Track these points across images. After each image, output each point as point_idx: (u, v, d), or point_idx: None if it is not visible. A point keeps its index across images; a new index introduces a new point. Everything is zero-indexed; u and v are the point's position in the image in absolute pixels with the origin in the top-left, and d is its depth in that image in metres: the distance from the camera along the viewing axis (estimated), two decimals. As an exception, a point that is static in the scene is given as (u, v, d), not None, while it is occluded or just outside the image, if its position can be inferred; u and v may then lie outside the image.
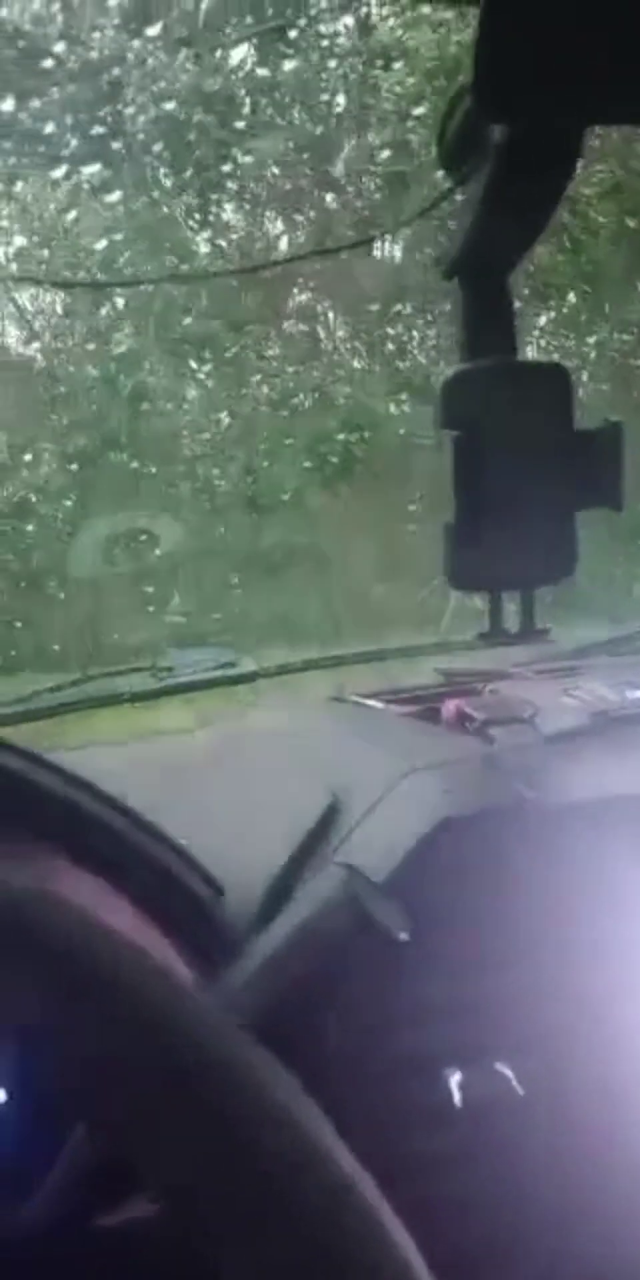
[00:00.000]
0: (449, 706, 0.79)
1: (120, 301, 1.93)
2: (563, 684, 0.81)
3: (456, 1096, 0.53)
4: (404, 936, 0.44)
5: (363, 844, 0.59)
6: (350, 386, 2.64)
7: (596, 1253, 0.52)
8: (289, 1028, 0.43)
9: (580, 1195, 0.52)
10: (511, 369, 0.68)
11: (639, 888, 0.57)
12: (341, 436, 2.44)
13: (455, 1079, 0.52)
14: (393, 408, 2.67)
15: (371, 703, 0.87)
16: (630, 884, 0.57)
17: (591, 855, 0.57)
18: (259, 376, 2.39)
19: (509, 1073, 0.53)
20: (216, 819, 0.68)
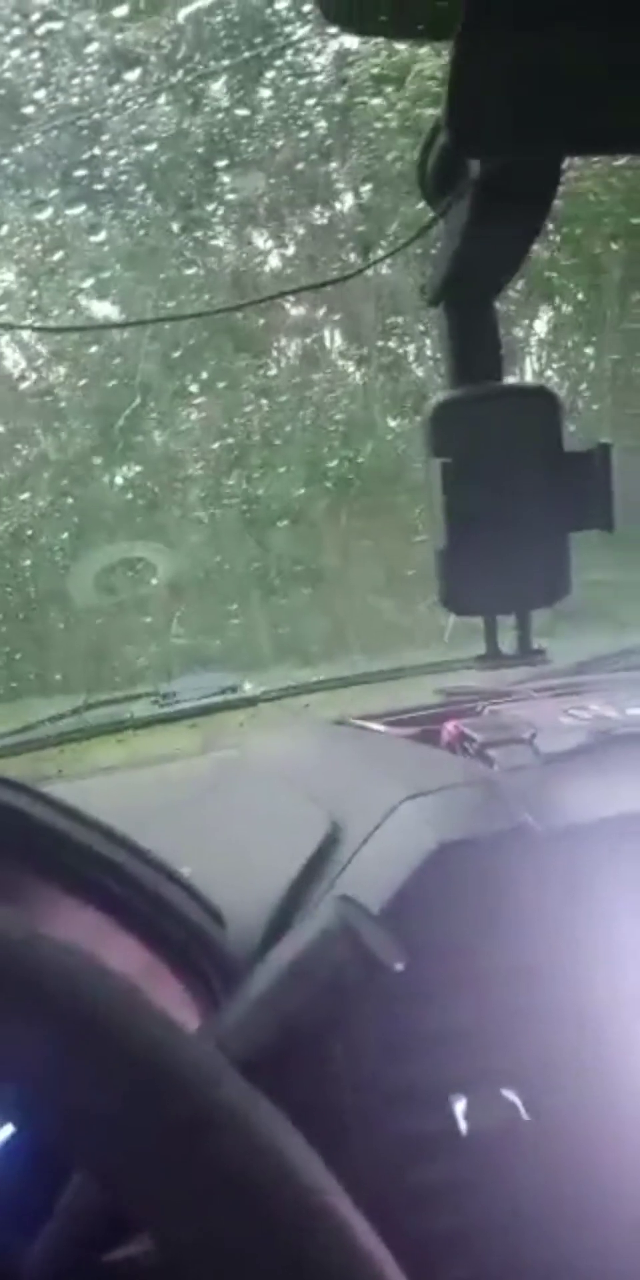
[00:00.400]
0: (448, 728, 0.80)
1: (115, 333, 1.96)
2: (563, 703, 0.81)
3: (461, 1124, 0.53)
4: (399, 967, 0.44)
5: (361, 873, 0.59)
6: (348, 400, 2.66)
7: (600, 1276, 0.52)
8: (288, 1062, 0.43)
9: (585, 1220, 0.52)
10: (499, 393, 0.68)
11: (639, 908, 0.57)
12: (343, 452, 2.45)
13: (460, 1106, 0.52)
14: (391, 421, 2.68)
15: (372, 725, 0.87)
16: (631, 905, 0.57)
17: (592, 877, 0.57)
18: (254, 398, 2.40)
19: (515, 1099, 0.53)
20: (217, 847, 0.68)
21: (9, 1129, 0.51)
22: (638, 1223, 0.52)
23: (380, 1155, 0.51)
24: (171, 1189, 0.34)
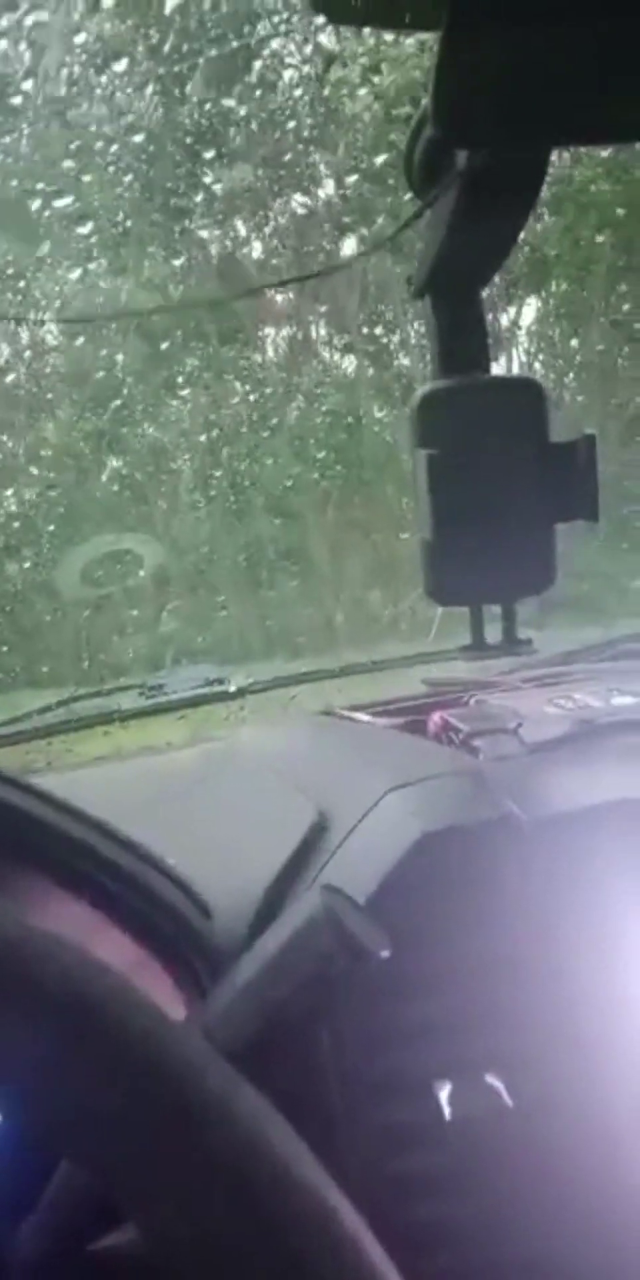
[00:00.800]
0: (434, 718, 0.80)
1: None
2: (548, 693, 0.81)
3: (446, 1111, 0.53)
4: (385, 954, 0.44)
5: (346, 863, 0.59)
6: (335, 389, 2.65)
7: (590, 1267, 0.52)
8: (273, 1052, 0.43)
9: (569, 1207, 0.53)
10: (484, 385, 0.68)
11: (625, 896, 0.58)
12: (330, 440, 2.45)
13: (444, 1093, 0.52)
14: (378, 411, 2.68)
15: (358, 716, 0.87)
16: (617, 893, 0.58)
17: (577, 865, 0.58)
18: (241, 385, 2.40)
19: (499, 1086, 0.53)
20: (204, 838, 0.68)
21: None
22: (622, 1209, 0.53)
23: (366, 1144, 0.51)
24: (160, 1180, 0.34)
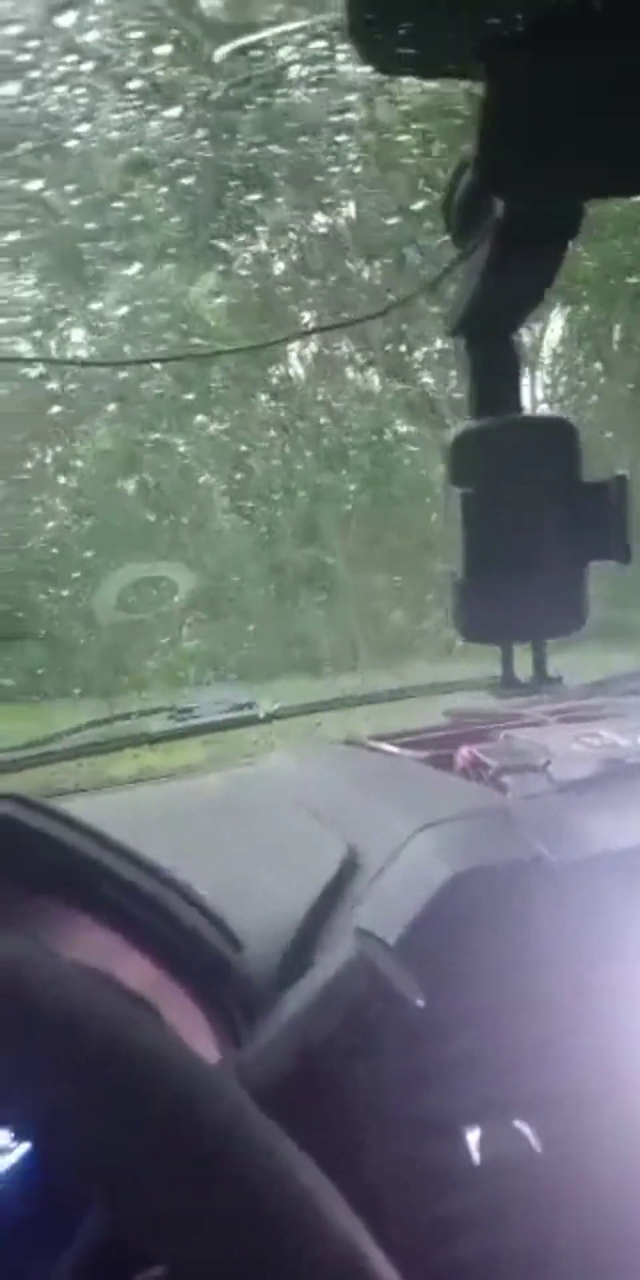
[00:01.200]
0: (462, 753, 0.80)
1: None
2: (574, 729, 0.81)
3: (475, 1155, 0.53)
4: (420, 1003, 0.45)
5: (377, 902, 0.59)
6: (360, 404, 2.67)
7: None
8: (307, 1093, 0.44)
9: (601, 1252, 0.53)
10: (518, 425, 0.69)
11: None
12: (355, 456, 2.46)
13: (474, 1137, 0.52)
14: (401, 426, 2.69)
15: (385, 747, 0.88)
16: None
17: (607, 909, 0.58)
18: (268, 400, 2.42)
19: (527, 1131, 0.54)
20: (231, 868, 0.69)
21: (22, 1148, 0.52)
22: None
23: (394, 1185, 0.52)
24: (180, 1214, 0.34)
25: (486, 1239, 0.52)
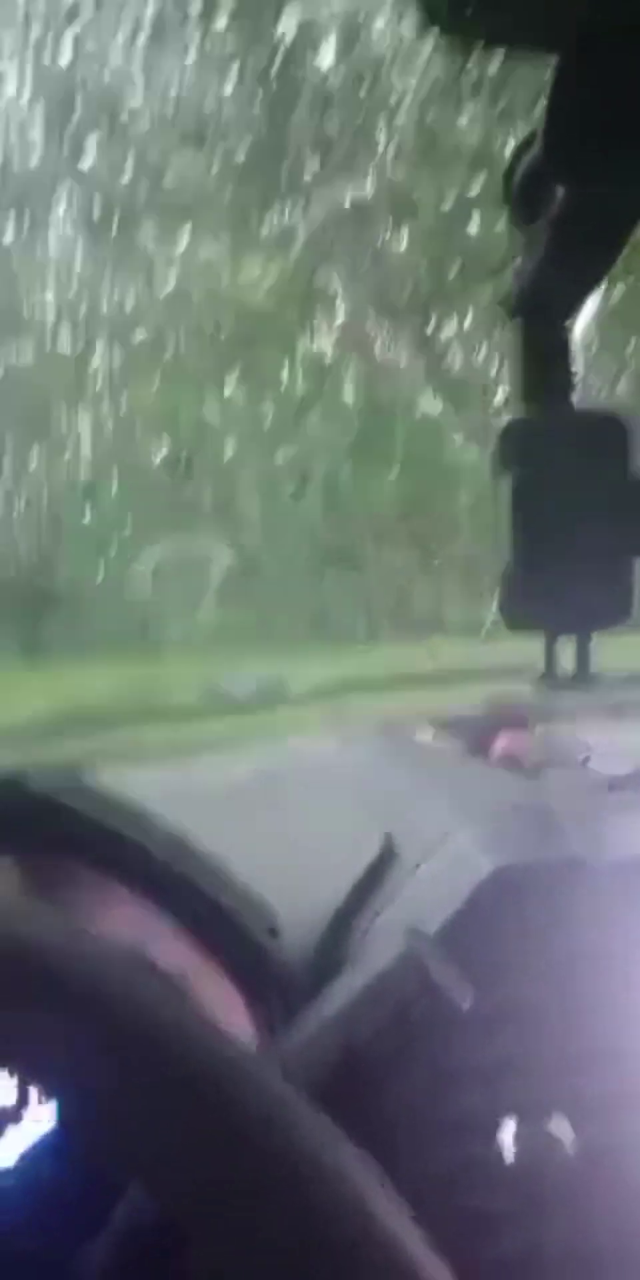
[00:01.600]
0: (500, 743, 0.80)
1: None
2: (612, 723, 0.81)
3: (508, 1153, 0.53)
4: (466, 1005, 0.45)
5: (416, 896, 0.59)
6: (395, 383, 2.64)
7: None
8: (351, 1089, 0.44)
9: (624, 1256, 0.53)
10: (570, 415, 0.68)
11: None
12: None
13: (507, 1135, 0.52)
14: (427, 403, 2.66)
15: (424, 734, 0.88)
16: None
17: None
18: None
19: (560, 1130, 0.54)
20: (268, 851, 0.69)
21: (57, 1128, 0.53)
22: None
23: (434, 1182, 0.52)
24: (215, 1199, 0.34)
25: (526, 1237, 0.52)
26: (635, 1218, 0.53)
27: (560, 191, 0.60)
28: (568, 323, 0.70)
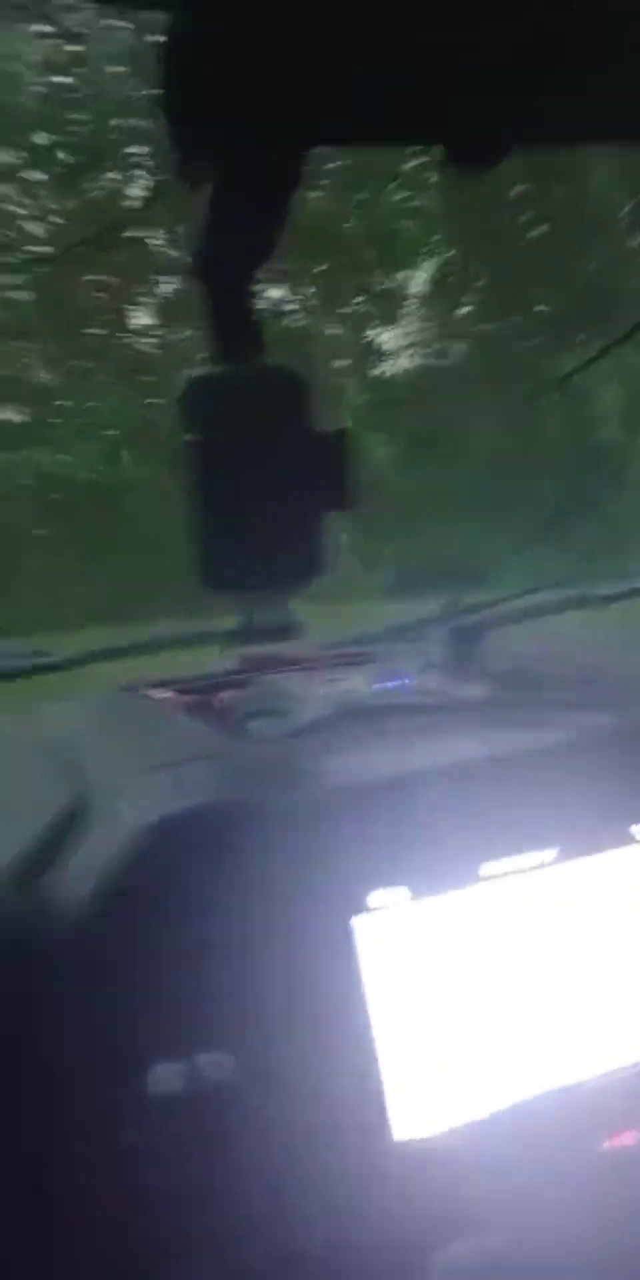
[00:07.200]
0: (221, 697, 0.82)
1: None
2: (328, 674, 0.83)
3: (170, 1085, 0.55)
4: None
5: (93, 847, 0.60)
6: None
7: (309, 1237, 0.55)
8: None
9: (289, 1181, 0.55)
10: (252, 372, 0.69)
11: (352, 876, 0.60)
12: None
13: (155, 1071, 0.54)
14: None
15: (155, 694, 0.88)
16: (344, 873, 0.60)
17: (309, 849, 0.60)
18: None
19: (222, 1061, 0.56)
20: None
21: None
22: (323, 1169, 0.56)
23: (80, 1120, 0.53)
24: None
25: (177, 1170, 0.54)
26: (282, 1143, 0.55)
27: (222, 155, 0.61)
28: (247, 279, 0.71)
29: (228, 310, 0.69)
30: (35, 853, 0.62)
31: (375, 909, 0.59)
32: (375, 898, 0.59)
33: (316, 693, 0.78)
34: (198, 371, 0.68)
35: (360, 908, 0.59)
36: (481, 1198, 0.56)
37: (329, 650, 0.95)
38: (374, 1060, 0.57)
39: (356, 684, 0.79)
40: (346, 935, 0.58)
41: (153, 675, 0.97)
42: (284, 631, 0.72)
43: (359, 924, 0.58)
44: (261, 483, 0.68)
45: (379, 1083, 0.57)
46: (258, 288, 0.72)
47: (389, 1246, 0.55)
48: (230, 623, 0.89)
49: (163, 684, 0.92)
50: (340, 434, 0.68)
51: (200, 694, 0.89)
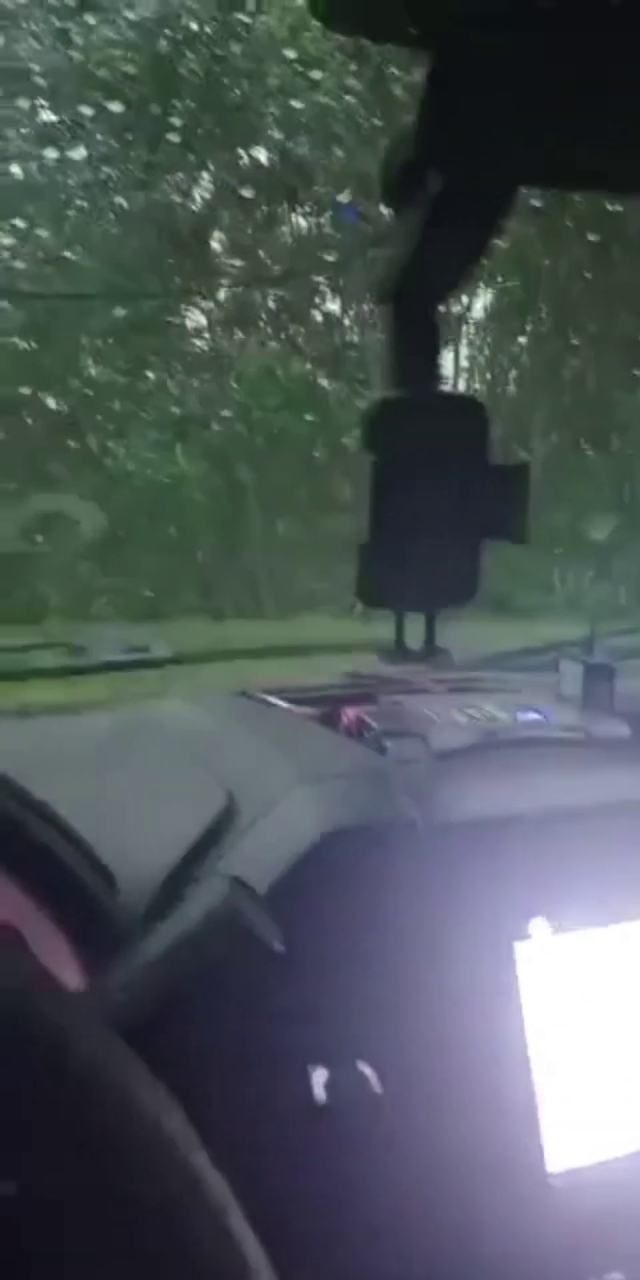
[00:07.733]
0: (348, 713, 0.82)
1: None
2: (459, 699, 0.84)
3: (320, 1094, 0.56)
4: (280, 948, 0.47)
5: (250, 852, 0.61)
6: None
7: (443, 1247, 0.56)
8: (170, 1028, 0.45)
9: (428, 1190, 0.56)
10: (432, 399, 0.70)
11: (507, 906, 0.61)
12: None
13: (318, 1077, 0.55)
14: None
15: (276, 701, 0.89)
16: (500, 902, 0.61)
17: (466, 872, 0.61)
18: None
19: (370, 1072, 0.56)
20: (113, 808, 0.69)
21: None
22: (477, 1193, 0.57)
23: (243, 1118, 0.54)
24: (33, 1143, 0.35)
25: (318, 1174, 0.55)
26: (435, 1160, 0.56)
27: (434, 181, 0.63)
28: (437, 308, 0.72)
29: (417, 336, 0.71)
30: (193, 854, 0.63)
31: (536, 936, 0.60)
32: (536, 925, 0.60)
33: (456, 718, 0.78)
34: (381, 394, 0.70)
35: (522, 934, 0.60)
36: (635, 1231, 0.57)
37: (443, 675, 0.96)
38: (530, 1086, 0.58)
39: (497, 714, 0.79)
40: (508, 960, 0.59)
41: (263, 680, 0.98)
42: (430, 654, 0.73)
43: (521, 949, 0.59)
44: (429, 504, 0.69)
45: (534, 1110, 0.58)
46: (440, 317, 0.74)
47: (541, 1278, 0.55)
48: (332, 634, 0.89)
49: (280, 691, 0.93)
50: (520, 468, 0.69)
51: (316, 705, 0.90)
